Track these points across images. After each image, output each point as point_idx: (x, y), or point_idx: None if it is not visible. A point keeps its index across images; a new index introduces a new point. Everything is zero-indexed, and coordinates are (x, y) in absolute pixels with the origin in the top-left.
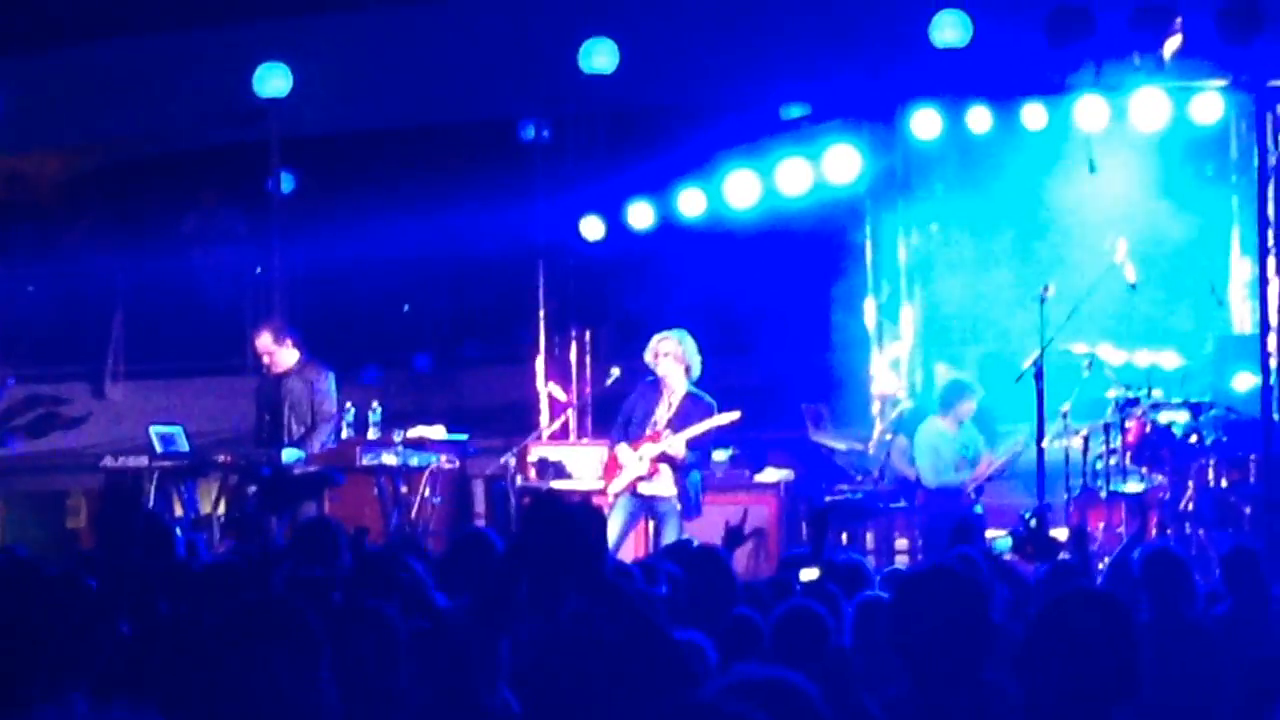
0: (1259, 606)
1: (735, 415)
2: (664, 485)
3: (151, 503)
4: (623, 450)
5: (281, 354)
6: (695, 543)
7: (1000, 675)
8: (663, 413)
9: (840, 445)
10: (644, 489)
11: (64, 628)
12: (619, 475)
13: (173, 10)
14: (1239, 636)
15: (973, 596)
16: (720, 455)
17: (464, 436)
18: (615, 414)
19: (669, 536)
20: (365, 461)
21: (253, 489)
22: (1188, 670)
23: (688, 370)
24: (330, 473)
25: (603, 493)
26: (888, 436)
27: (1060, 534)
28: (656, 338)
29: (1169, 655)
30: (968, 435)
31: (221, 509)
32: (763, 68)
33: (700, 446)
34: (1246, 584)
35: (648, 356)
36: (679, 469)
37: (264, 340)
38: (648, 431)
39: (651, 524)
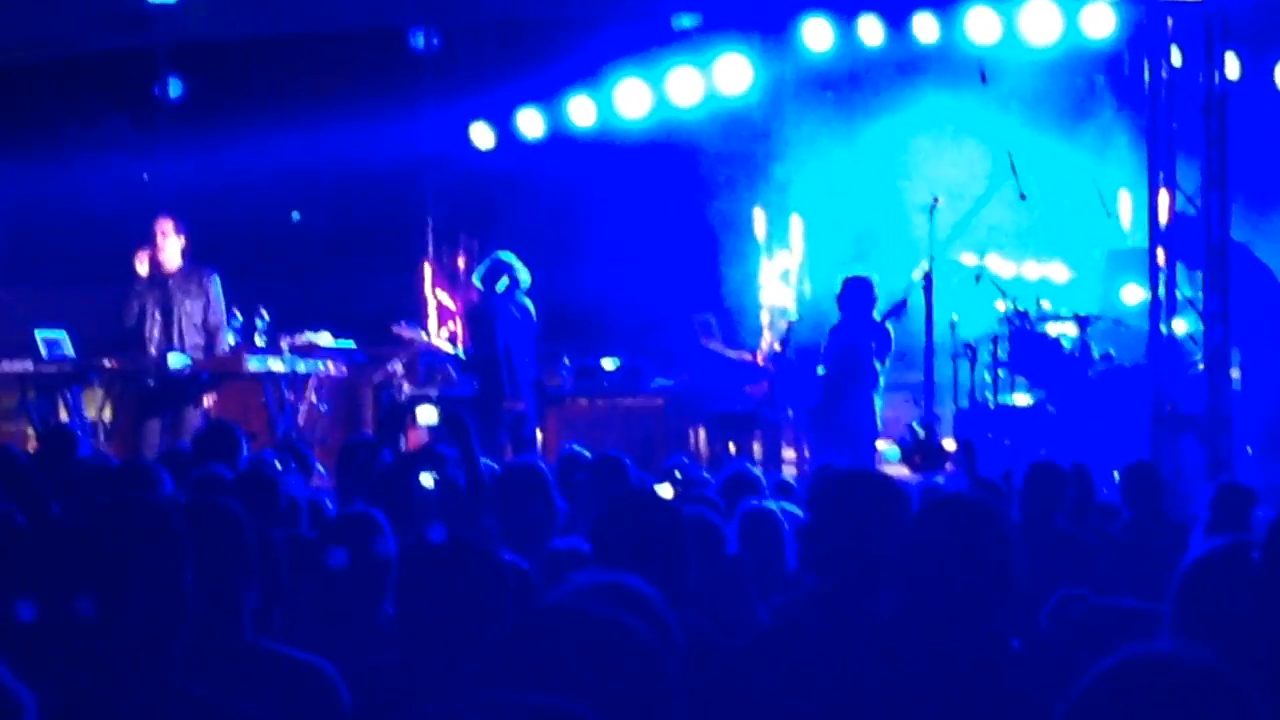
0: (1156, 520)
1: None
2: None
3: (35, 408)
4: None
5: (173, 244)
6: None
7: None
8: None
9: (730, 354)
10: None
11: None
12: None
13: None
14: (1138, 550)
15: (894, 499)
16: (609, 364)
17: (351, 343)
18: None
19: None
20: (252, 368)
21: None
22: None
23: None
24: (210, 377)
25: None
26: (776, 347)
27: (948, 444)
28: None
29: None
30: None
31: (107, 414)
32: None
33: None
34: (1144, 498)
35: None
36: None
37: (165, 224)
38: None
39: None
